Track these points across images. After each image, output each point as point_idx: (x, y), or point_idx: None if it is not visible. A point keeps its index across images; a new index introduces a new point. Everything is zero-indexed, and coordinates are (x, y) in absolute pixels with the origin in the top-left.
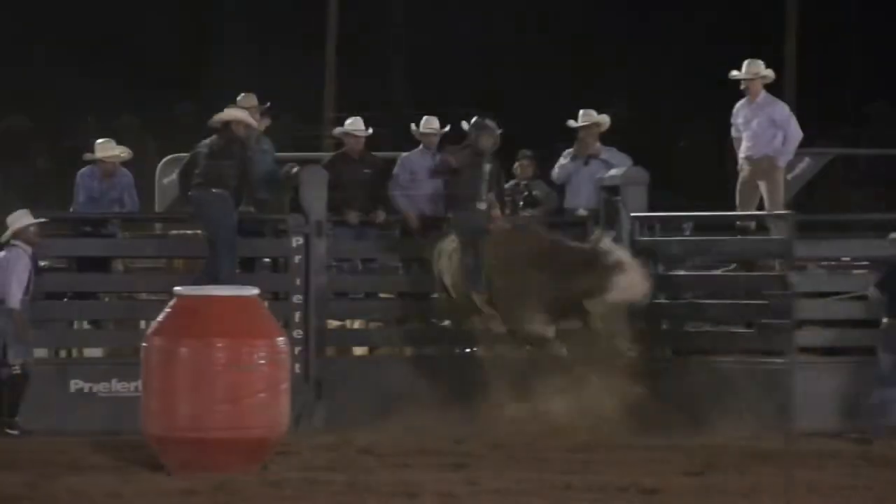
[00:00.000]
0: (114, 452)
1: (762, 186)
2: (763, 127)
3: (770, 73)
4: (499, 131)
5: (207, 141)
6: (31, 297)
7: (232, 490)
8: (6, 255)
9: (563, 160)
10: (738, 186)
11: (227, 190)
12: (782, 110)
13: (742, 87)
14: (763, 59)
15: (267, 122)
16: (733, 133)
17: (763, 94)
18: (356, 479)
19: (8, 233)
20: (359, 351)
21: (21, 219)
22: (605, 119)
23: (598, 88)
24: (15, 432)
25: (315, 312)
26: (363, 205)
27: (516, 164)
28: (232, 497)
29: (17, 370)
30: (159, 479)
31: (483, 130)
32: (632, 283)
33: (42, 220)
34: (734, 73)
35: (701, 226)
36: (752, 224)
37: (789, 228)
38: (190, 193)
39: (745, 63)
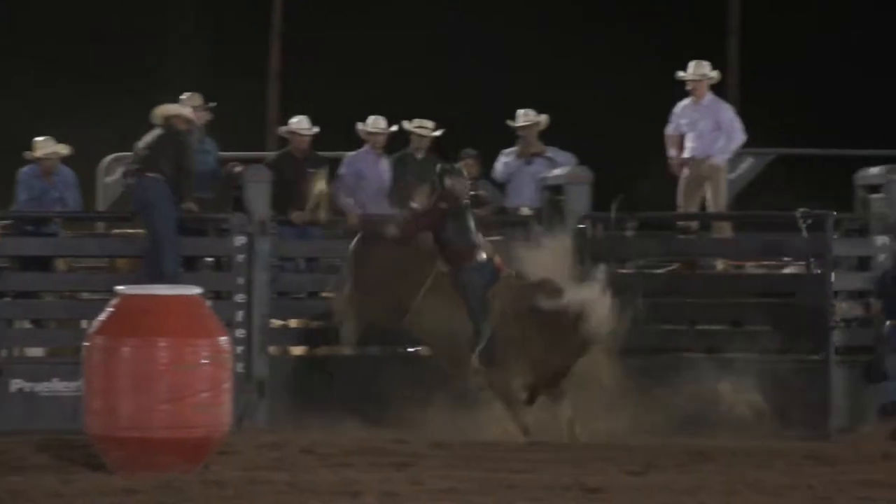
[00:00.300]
0: (55, 452)
1: (706, 186)
2: (708, 128)
3: (716, 74)
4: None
5: (147, 136)
6: None
7: (174, 489)
8: None
9: (504, 158)
10: (682, 186)
11: (163, 177)
12: (727, 112)
13: (688, 87)
14: (704, 56)
15: (208, 116)
16: (670, 130)
17: (709, 95)
18: (298, 479)
19: None
20: (299, 350)
21: None
22: (543, 118)
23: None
24: None
25: (258, 312)
26: (306, 204)
27: (461, 164)
28: (174, 496)
29: None
30: (101, 479)
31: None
32: (599, 322)
33: (5, 221)
34: (680, 73)
35: (645, 225)
36: (695, 224)
37: (827, 228)
38: (126, 181)
39: (692, 64)
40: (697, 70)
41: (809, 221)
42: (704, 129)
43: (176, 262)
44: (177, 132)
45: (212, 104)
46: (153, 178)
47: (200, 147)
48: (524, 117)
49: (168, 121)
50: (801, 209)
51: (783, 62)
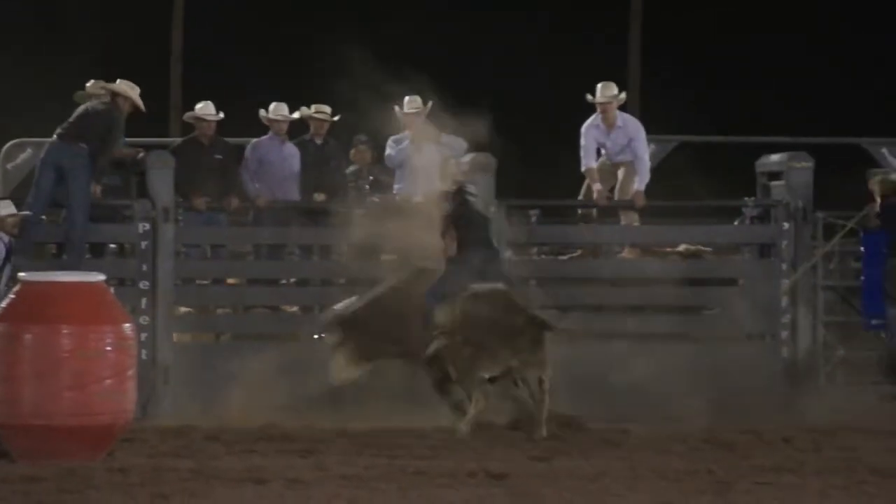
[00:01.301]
0: None
1: (619, 174)
2: (620, 145)
3: (623, 95)
4: None
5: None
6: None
7: (78, 477)
8: None
9: (395, 145)
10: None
11: (105, 161)
12: (639, 132)
13: (598, 109)
14: (606, 42)
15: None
16: (592, 163)
17: (619, 116)
18: (203, 466)
19: None
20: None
21: (1, 209)
22: (429, 105)
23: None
24: None
25: (162, 299)
26: (213, 190)
27: (353, 151)
28: (78, 484)
29: None
30: (4, 467)
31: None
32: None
33: (25, 213)
34: (589, 97)
35: (548, 213)
36: (594, 212)
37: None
38: (49, 143)
39: (599, 86)
40: (606, 92)
41: (755, 210)
42: (616, 147)
43: (86, 227)
44: (114, 111)
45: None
46: (78, 148)
47: None
48: (410, 104)
49: (114, 98)
50: (749, 198)
51: (685, 47)
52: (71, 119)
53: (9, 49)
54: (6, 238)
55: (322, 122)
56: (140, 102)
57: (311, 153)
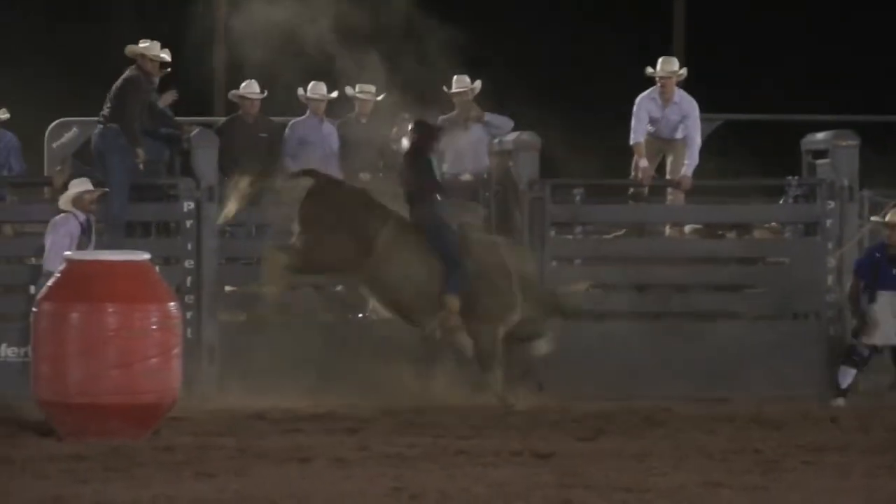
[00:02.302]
0: (4, 418)
1: (668, 159)
2: (673, 122)
3: (684, 71)
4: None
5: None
6: None
7: (123, 455)
8: (55, 219)
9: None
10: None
11: (126, 130)
12: (694, 110)
13: (657, 83)
14: (651, 19)
15: (174, 94)
16: (639, 138)
17: (676, 92)
18: (248, 445)
19: (64, 199)
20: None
21: (78, 186)
22: (477, 84)
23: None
24: None
25: (207, 277)
26: (258, 169)
27: (395, 129)
28: (123, 462)
29: None
30: (50, 445)
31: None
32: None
33: (102, 189)
34: (650, 70)
35: (594, 192)
36: (645, 191)
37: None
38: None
39: (661, 60)
40: (666, 66)
41: (800, 189)
42: (671, 121)
43: (125, 205)
44: (130, 76)
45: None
46: (109, 129)
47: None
48: (458, 83)
49: (137, 63)
50: (794, 177)
51: (730, 24)
52: (107, 102)
53: (53, 28)
54: (82, 216)
55: (366, 101)
56: (159, 54)
57: (356, 133)
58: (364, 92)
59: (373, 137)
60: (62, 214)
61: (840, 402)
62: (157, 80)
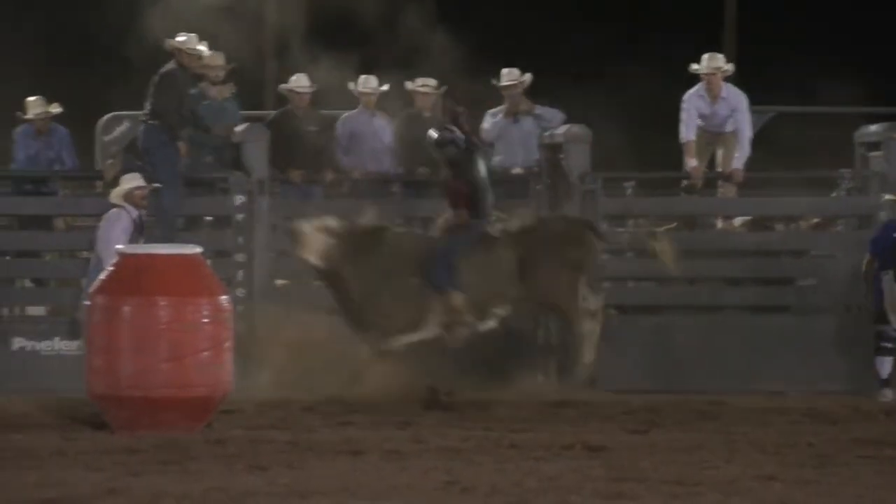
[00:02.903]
0: (57, 411)
1: (718, 152)
2: (723, 117)
3: (730, 66)
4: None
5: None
6: None
7: (176, 448)
8: (108, 214)
9: (491, 118)
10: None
11: (166, 124)
12: (742, 103)
13: (703, 79)
14: (703, 12)
15: (232, 88)
16: (690, 135)
17: (723, 87)
18: (300, 438)
19: (115, 194)
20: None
21: (129, 181)
22: (527, 77)
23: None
24: None
25: (258, 271)
26: (308, 163)
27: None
28: (176, 455)
29: None
30: (103, 438)
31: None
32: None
33: (153, 185)
34: (694, 66)
35: (644, 185)
36: (700, 183)
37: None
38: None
39: (705, 57)
40: (711, 63)
41: (851, 183)
42: (720, 116)
43: (175, 200)
44: (166, 70)
45: (231, 66)
46: (150, 126)
47: (219, 105)
48: (508, 76)
49: (176, 58)
50: (846, 169)
51: (781, 16)
52: (147, 98)
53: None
54: (134, 212)
55: (427, 95)
56: (196, 47)
57: (420, 127)
58: (425, 85)
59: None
60: (115, 209)
61: (888, 394)
62: (220, 75)
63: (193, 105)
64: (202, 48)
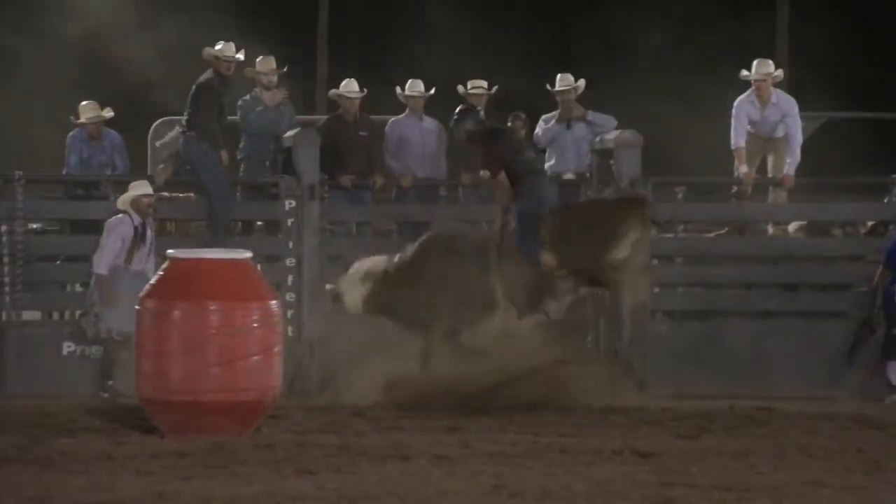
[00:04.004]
0: (106, 415)
1: (769, 158)
2: (773, 123)
3: (780, 72)
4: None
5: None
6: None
7: (224, 452)
8: (110, 220)
9: (544, 124)
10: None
11: (205, 134)
12: (793, 108)
13: (753, 85)
14: (755, 17)
15: (284, 92)
16: (740, 142)
17: (773, 93)
18: (349, 442)
19: (122, 200)
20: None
21: (137, 188)
22: (581, 83)
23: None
24: (105, 395)
25: (308, 275)
26: (358, 168)
27: (508, 125)
28: (224, 459)
29: (110, 335)
30: (152, 442)
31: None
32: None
33: (161, 194)
34: (744, 73)
35: (696, 190)
36: (749, 189)
37: None
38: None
39: (755, 63)
40: (761, 69)
41: None
42: (771, 122)
43: (225, 207)
44: (203, 80)
45: (283, 69)
46: (188, 137)
47: (276, 109)
48: (562, 81)
49: (214, 63)
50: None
51: (833, 21)
52: (186, 109)
53: (158, 26)
54: (138, 219)
55: (481, 96)
56: (233, 55)
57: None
58: (477, 87)
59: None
60: (118, 216)
61: None
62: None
63: (246, 111)
64: (239, 56)
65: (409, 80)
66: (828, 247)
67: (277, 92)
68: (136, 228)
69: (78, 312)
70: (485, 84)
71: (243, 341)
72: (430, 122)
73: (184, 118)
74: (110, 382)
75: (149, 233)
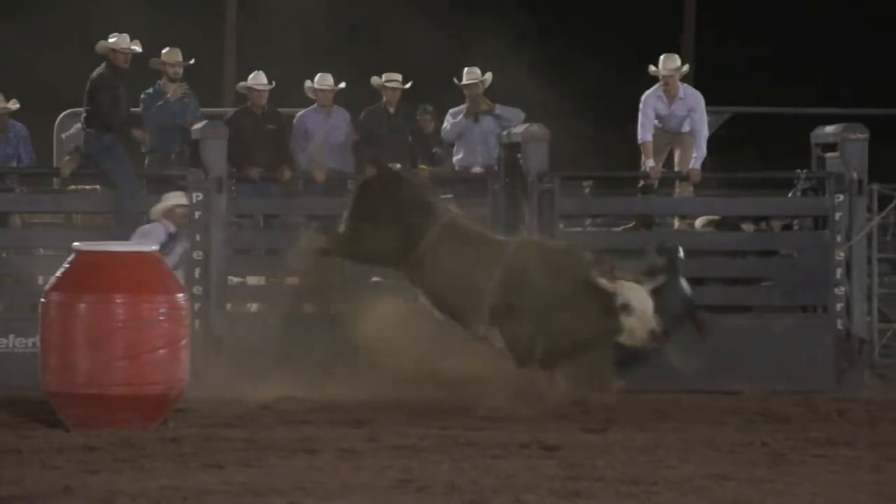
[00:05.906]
0: (11, 409)
1: (676, 152)
2: (680, 117)
3: (686, 68)
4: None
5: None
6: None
7: (131, 446)
8: (142, 228)
9: (452, 118)
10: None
11: (107, 128)
12: (699, 103)
13: (661, 80)
14: (661, 12)
15: (185, 86)
16: (647, 137)
17: (681, 88)
18: (256, 436)
19: (156, 211)
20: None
21: (171, 198)
22: (488, 77)
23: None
24: None
25: (215, 268)
26: (266, 161)
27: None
28: (131, 453)
29: None
30: (58, 436)
31: None
32: (634, 328)
33: (71, 187)
34: (652, 68)
35: (601, 184)
36: (656, 184)
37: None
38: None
39: (662, 58)
40: (668, 64)
41: (807, 183)
42: (678, 117)
43: (131, 199)
44: (99, 72)
45: (190, 62)
46: (89, 134)
47: (179, 102)
48: (469, 75)
49: (110, 55)
50: (802, 170)
51: (738, 17)
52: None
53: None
54: (172, 228)
55: (395, 90)
56: (129, 46)
57: (384, 123)
58: (391, 81)
59: (401, 126)
60: (150, 224)
61: None
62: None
63: (148, 104)
64: (135, 47)
65: (318, 74)
66: (733, 241)
67: (179, 86)
68: (169, 235)
69: None
70: (399, 77)
71: (150, 334)
72: (338, 117)
73: (82, 115)
74: None
75: (180, 245)
